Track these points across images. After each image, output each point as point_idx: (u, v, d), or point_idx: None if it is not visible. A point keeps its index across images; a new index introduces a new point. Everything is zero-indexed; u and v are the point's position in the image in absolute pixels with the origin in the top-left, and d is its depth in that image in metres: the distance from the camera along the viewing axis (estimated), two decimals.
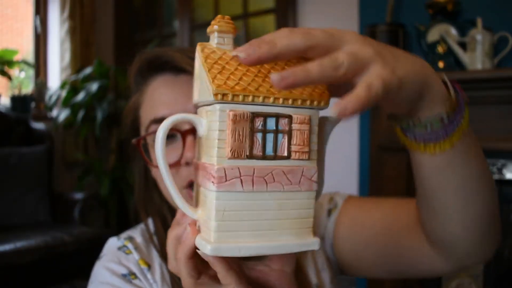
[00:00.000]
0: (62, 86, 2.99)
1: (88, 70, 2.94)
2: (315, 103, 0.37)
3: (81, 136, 2.91)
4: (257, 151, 0.35)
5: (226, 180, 0.35)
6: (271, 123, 0.35)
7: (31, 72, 3.30)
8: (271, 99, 0.35)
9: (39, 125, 2.80)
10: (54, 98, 3.01)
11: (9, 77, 2.82)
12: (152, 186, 0.68)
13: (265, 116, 0.35)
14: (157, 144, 0.38)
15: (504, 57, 1.62)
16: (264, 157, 0.35)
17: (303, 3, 2.37)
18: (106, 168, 3.07)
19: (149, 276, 0.61)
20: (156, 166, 0.58)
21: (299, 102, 0.36)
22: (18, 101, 2.96)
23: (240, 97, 0.34)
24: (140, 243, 0.65)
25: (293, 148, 0.36)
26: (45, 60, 3.31)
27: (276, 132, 0.36)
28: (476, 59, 1.60)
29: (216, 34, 0.38)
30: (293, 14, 2.39)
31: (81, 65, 3.12)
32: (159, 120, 0.59)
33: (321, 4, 2.31)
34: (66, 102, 2.91)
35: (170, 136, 0.59)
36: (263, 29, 2.73)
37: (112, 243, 0.65)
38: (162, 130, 0.38)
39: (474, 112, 1.62)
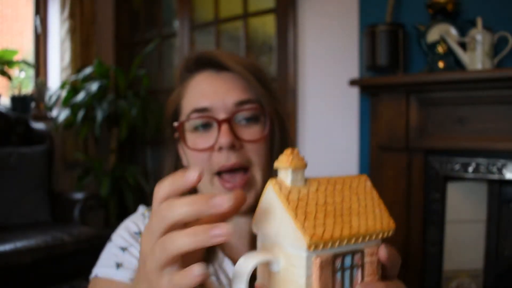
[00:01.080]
0: (62, 86, 2.99)
1: (88, 70, 2.94)
2: (385, 234, 0.40)
3: (81, 136, 2.91)
4: None
5: None
6: (348, 261, 0.38)
7: (31, 72, 3.30)
8: (353, 241, 0.37)
9: (39, 125, 2.80)
10: (54, 98, 3.01)
11: (9, 77, 2.81)
12: None
13: (344, 255, 0.37)
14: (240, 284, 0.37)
15: (504, 57, 1.62)
16: None
17: (303, 3, 2.37)
18: (106, 168, 3.07)
19: None
20: (192, 149, 0.67)
21: (373, 237, 0.39)
22: (18, 101, 2.96)
23: (329, 245, 0.36)
24: None
25: (365, 279, 0.39)
26: (45, 60, 3.31)
27: (352, 267, 0.38)
28: (476, 59, 1.60)
29: (290, 171, 0.38)
30: (293, 14, 2.39)
31: (81, 65, 3.12)
32: (199, 110, 0.67)
33: (321, 3, 2.31)
34: (66, 102, 2.91)
35: (206, 124, 0.67)
36: (263, 29, 2.73)
37: (140, 209, 0.78)
38: (247, 271, 0.37)
39: (474, 112, 1.62)
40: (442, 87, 1.67)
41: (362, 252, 0.38)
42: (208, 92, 0.68)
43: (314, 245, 0.35)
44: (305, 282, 0.36)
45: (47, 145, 2.70)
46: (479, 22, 1.60)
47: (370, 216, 0.40)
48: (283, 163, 0.39)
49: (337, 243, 0.36)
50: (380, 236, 0.39)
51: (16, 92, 3.01)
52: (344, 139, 2.18)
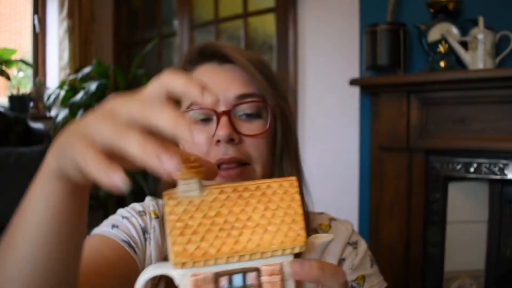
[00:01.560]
0: (61, 85, 2.98)
1: (87, 70, 2.93)
2: (288, 251, 0.35)
3: None
4: None
5: None
6: (237, 280, 0.34)
7: (30, 71, 3.28)
8: (236, 258, 0.34)
9: (37, 125, 2.79)
10: (52, 98, 2.99)
11: (8, 77, 2.80)
12: None
13: (230, 274, 0.34)
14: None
15: (505, 56, 1.61)
16: None
17: (303, 2, 2.36)
18: None
19: (153, 222, 0.72)
20: (189, 141, 0.65)
21: (269, 254, 0.34)
22: (17, 100, 2.95)
23: (201, 263, 0.33)
24: (160, 205, 0.76)
25: None
26: (44, 60, 3.30)
27: (245, 287, 0.34)
28: (478, 59, 1.59)
29: (181, 182, 0.36)
30: (293, 13, 2.38)
31: (80, 64, 3.11)
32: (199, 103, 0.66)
33: (321, 2, 2.30)
34: (65, 102, 2.89)
35: (206, 119, 0.66)
36: (263, 28, 2.72)
37: (148, 197, 0.80)
38: (140, 281, 0.36)
39: (475, 112, 1.61)
40: (443, 87, 1.66)
41: (258, 270, 0.34)
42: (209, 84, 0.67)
43: (181, 263, 0.33)
44: None
45: (46, 145, 2.68)
46: (481, 21, 1.59)
47: (272, 229, 0.35)
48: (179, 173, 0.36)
49: (212, 261, 0.33)
50: (280, 253, 0.35)
51: (14, 92, 3.00)
52: (345, 139, 2.17)
